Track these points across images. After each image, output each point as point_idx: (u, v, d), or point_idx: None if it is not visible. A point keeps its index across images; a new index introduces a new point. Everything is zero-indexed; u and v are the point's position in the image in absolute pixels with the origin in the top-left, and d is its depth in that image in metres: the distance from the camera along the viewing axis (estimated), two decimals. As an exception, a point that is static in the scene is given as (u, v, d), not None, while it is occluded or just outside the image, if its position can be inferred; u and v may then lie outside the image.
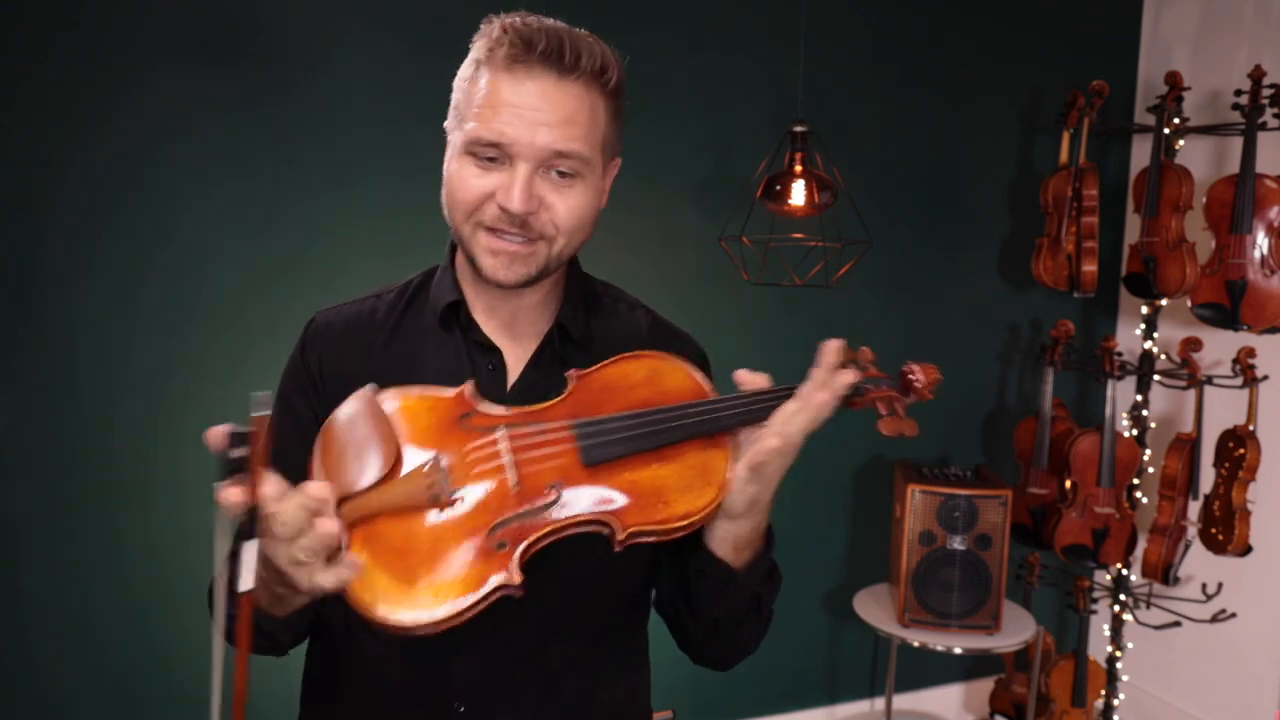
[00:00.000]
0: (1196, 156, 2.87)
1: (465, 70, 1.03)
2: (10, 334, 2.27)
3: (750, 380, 0.97)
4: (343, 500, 0.87)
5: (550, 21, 1.00)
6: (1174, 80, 2.68)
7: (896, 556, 2.75)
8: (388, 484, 0.88)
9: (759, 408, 0.96)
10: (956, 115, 2.99)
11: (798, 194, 2.30)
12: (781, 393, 0.96)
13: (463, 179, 1.00)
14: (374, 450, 0.89)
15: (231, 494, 0.78)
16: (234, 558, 0.81)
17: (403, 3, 2.44)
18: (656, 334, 1.18)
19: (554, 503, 0.90)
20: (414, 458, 0.91)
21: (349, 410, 0.92)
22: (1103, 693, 2.97)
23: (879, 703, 3.12)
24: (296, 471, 1.05)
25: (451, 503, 0.89)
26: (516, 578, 0.86)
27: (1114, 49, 3.15)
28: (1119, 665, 2.96)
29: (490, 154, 0.98)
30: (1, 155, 2.22)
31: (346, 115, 2.43)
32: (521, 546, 0.88)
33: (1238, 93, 2.53)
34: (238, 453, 0.79)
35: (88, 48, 2.24)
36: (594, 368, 1.00)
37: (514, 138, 0.96)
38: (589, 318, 1.14)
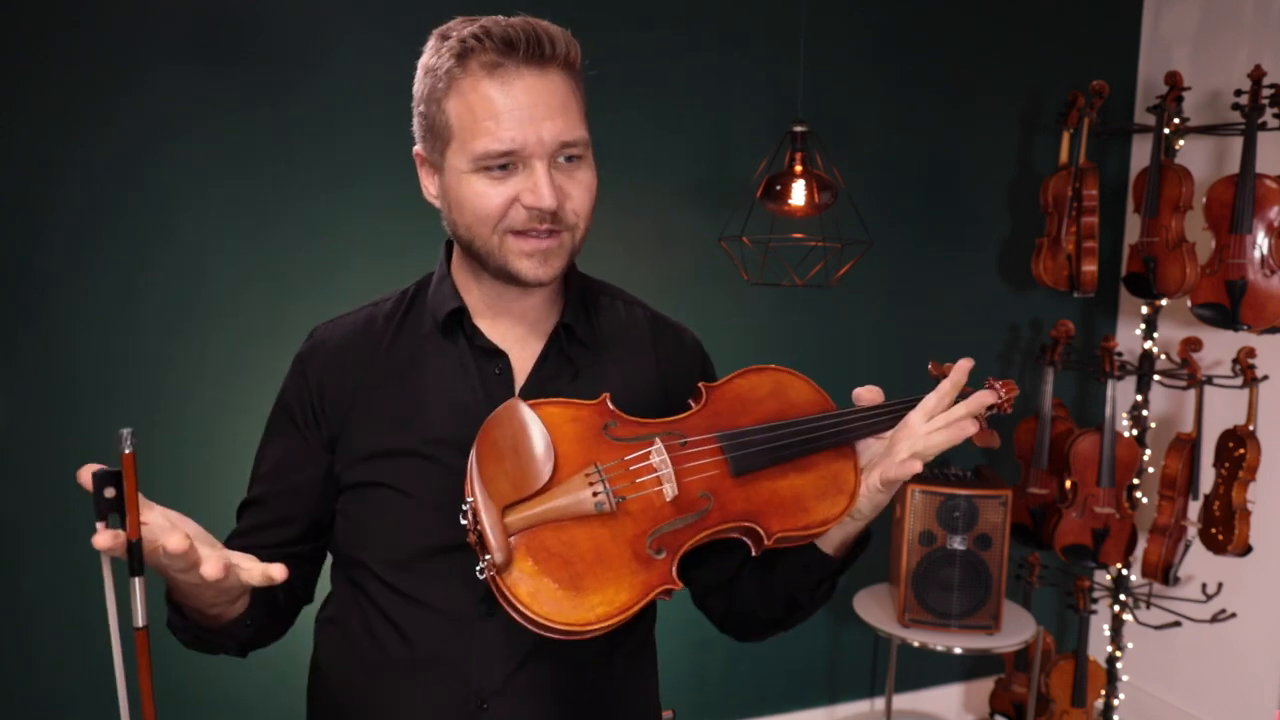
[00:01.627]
0: (1196, 156, 2.87)
1: (432, 88, 1.03)
2: (10, 334, 2.27)
3: (869, 396, 1.04)
4: (508, 508, 0.90)
5: (515, 18, 1.02)
6: (1174, 80, 2.68)
7: (896, 556, 2.75)
8: (551, 492, 0.91)
9: (882, 420, 1.03)
10: (956, 115, 2.99)
11: (798, 194, 2.30)
12: (902, 404, 1.03)
13: (480, 194, 1.01)
14: (537, 459, 0.92)
15: (102, 539, 0.78)
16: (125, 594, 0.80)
17: (403, 3, 2.44)
18: (656, 328, 1.21)
19: (707, 511, 0.94)
20: (569, 467, 0.94)
21: (504, 417, 0.94)
22: (1103, 693, 2.97)
23: (879, 703, 3.12)
24: (294, 495, 1.11)
25: (614, 512, 0.92)
26: (678, 584, 0.91)
27: (1114, 49, 3.15)
28: (1119, 665, 2.96)
29: (503, 163, 1.00)
30: (1, 155, 2.22)
31: (346, 115, 2.43)
32: (679, 554, 0.92)
33: (1238, 93, 2.53)
34: (109, 492, 0.78)
35: (88, 48, 2.24)
36: (722, 380, 1.05)
37: (524, 140, 0.98)
38: (589, 315, 1.16)
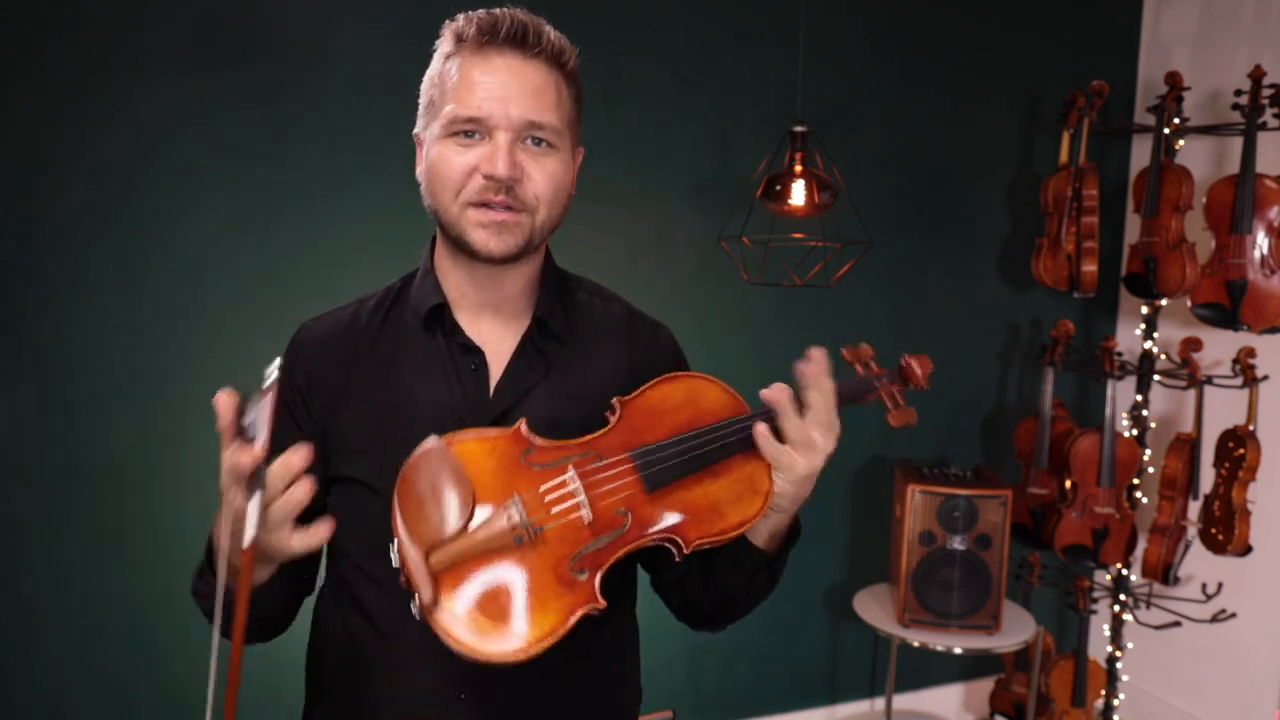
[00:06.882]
0: (1196, 156, 2.87)
1: (433, 70, 1.09)
2: (10, 334, 2.27)
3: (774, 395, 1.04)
4: (430, 550, 0.93)
5: (512, 9, 1.06)
6: (1174, 80, 2.68)
7: (896, 556, 2.75)
8: (471, 530, 0.95)
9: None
10: (956, 115, 2.99)
11: (798, 194, 2.30)
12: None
13: (445, 159, 1.05)
14: (453, 499, 0.96)
15: (243, 453, 0.87)
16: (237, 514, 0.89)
17: (402, 3, 2.44)
18: (632, 323, 1.22)
19: (625, 529, 0.98)
20: (488, 500, 0.97)
21: (421, 462, 0.97)
22: (1103, 693, 2.98)
23: (879, 703, 3.12)
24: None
25: (533, 541, 0.96)
26: (601, 602, 0.95)
27: (1114, 49, 3.15)
28: (1119, 665, 2.96)
29: (470, 129, 1.04)
30: (1, 155, 2.22)
31: (346, 115, 2.43)
32: (601, 572, 0.96)
33: (1238, 93, 2.53)
34: (248, 418, 0.89)
35: (87, 48, 2.24)
36: (635, 393, 1.06)
37: (490, 110, 1.03)
38: (565, 311, 1.17)
